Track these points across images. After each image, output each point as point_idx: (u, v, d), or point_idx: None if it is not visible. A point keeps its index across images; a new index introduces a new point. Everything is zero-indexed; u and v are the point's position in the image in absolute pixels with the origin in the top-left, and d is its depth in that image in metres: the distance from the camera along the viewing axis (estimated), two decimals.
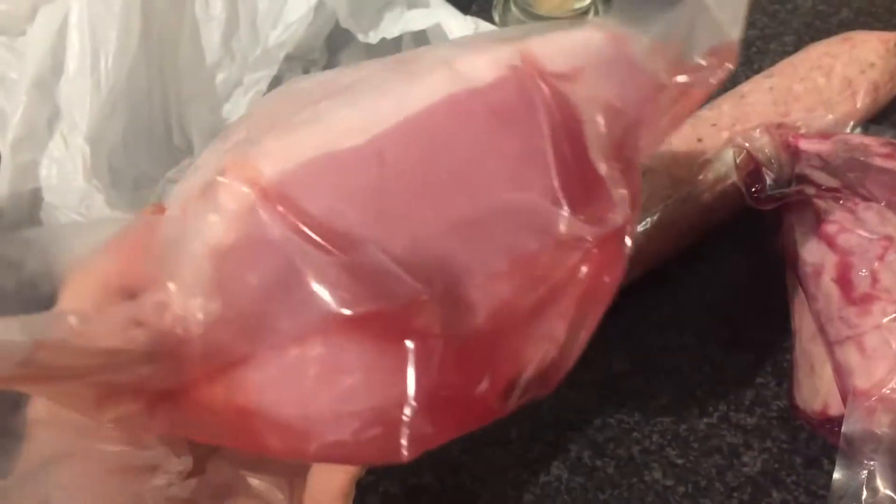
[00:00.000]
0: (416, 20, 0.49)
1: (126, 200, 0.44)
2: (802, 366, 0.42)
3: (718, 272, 0.49)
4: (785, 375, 0.45)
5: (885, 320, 0.37)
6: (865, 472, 0.34)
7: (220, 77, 0.49)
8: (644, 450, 0.43)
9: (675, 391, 0.45)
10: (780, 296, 0.47)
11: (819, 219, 0.41)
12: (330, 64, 0.55)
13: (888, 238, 0.39)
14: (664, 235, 0.46)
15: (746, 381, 0.45)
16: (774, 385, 0.45)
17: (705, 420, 0.44)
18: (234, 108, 0.51)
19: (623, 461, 0.43)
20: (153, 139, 0.49)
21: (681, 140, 0.47)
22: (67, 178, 0.42)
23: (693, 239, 0.48)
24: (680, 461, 0.43)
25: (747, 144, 0.46)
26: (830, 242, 0.40)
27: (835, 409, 0.38)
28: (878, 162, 0.44)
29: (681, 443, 0.43)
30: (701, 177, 0.47)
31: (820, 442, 0.43)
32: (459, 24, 0.48)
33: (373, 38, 0.50)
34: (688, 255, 0.49)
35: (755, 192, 0.44)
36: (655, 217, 0.46)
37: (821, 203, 0.42)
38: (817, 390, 0.40)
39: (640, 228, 0.46)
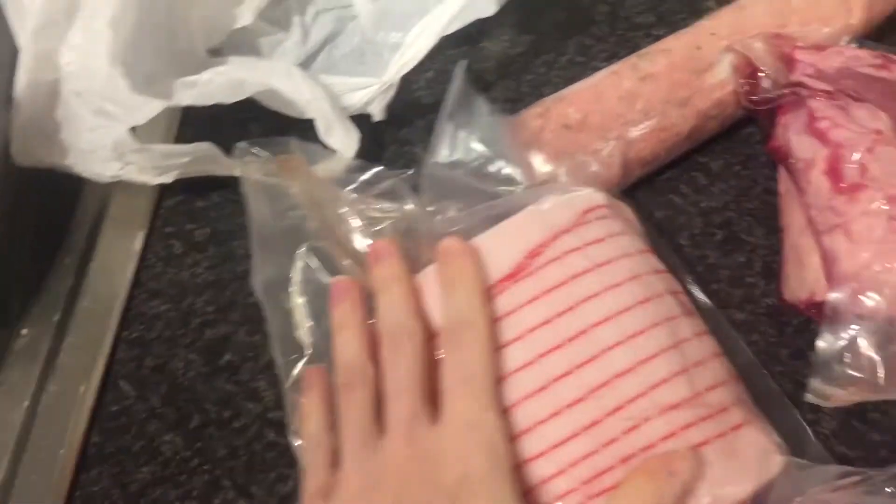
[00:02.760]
0: None
1: (146, 94, 0.45)
2: (791, 259, 0.43)
3: (714, 180, 0.50)
4: (774, 276, 0.46)
5: (873, 206, 0.38)
6: (847, 338, 0.36)
7: None
8: None
9: None
10: (772, 203, 0.49)
11: (812, 117, 0.43)
12: None
13: (877, 132, 0.41)
14: (661, 139, 0.48)
15: (737, 280, 0.47)
16: (764, 284, 0.46)
17: None
18: (241, 14, 0.51)
19: None
20: (159, 39, 0.49)
21: (680, 47, 0.49)
22: (89, 62, 0.42)
23: (689, 146, 0.50)
24: None
25: (745, 51, 0.47)
26: (822, 137, 0.42)
27: (821, 295, 0.40)
28: (870, 71, 0.46)
29: None
30: (698, 82, 0.48)
31: (805, 337, 0.44)
32: None
33: None
34: (684, 163, 0.50)
35: (752, 93, 0.45)
36: (654, 121, 0.47)
37: (814, 103, 0.43)
38: (804, 280, 0.42)
39: (638, 132, 0.47)
